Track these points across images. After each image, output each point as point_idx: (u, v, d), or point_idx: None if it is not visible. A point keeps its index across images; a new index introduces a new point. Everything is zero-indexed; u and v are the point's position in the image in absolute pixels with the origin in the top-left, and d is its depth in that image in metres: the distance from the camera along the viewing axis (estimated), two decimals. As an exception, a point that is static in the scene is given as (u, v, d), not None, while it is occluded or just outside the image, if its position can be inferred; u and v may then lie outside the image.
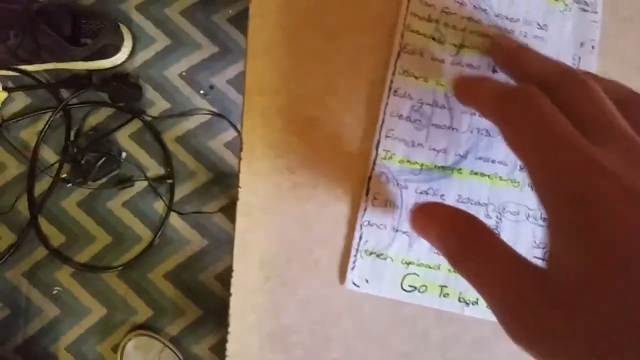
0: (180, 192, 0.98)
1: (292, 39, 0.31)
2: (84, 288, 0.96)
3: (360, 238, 0.30)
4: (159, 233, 0.96)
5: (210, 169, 0.99)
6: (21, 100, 0.98)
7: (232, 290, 0.30)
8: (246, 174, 0.30)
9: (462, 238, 0.21)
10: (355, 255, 0.30)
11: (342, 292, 0.30)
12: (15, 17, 0.88)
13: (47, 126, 0.95)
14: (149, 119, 0.98)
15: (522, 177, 0.32)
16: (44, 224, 0.96)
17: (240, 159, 0.30)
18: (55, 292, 0.96)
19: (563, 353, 0.17)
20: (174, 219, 0.98)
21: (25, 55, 0.91)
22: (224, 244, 0.98)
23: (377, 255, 0.30)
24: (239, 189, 0.30)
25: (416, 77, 0.31)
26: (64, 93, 0.97)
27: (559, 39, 0.32)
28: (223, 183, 0.99)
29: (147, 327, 0.95)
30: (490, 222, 0.31)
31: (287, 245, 0.30)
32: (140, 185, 0.98)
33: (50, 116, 0.95)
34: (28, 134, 0.97)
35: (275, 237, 0.30)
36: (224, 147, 0.99)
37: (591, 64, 0.32)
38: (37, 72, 0.96)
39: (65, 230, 0.97)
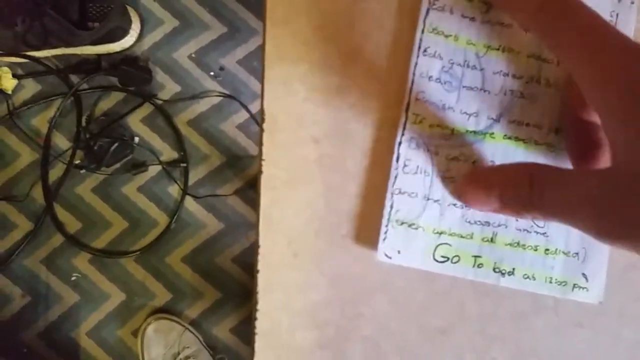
0: (194, 176, 0.97)
1: (312, 3, 0.29)
2: (102, 274, 0.96)
3: (392, 207, 0.29)
4: (175, 217, 0.96)
5: (223, 152, 0.98)
6: (31, 87, 0.97)
7: (259, 267, 0.29)
8: (269, 147, 0.29)
9: (531, 183, 0.22)
10: (386, 226, 0.29)
11: (373, 268, 0.29)
12: (21, 3, 0.87)
13: (58, 113, 0.95)
14: (160, 102, 0.97)
15: (558, 140, 0.30)
16: (60, 211, 0.96)
17: (262, 130, 0.29)
18: (74, 278, 0.96)
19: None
20: (189, 203, 0.97)
21: (34, 41, 0.90)
22: (240, 226, 0.97)
23: (409, 225, 0.29)
24: (262, 162, 0.29)
25: (446, 36, 0.29)
26: (74, 78, 0.96)
27: None
28: (237, 165, 0.98)
29: (166, 311, 0.95)
30: None
31: (315, 220, 0.29)
32: (154, 169, 0.97)
33: (61, 102, 0.94)
34: (39, 121, 0.97)
35: (302, 211, 0.29)
36: (237, 129, 0.98)
37: (630, 21, 0.30)
38: (46, 58, 0.95)
39: (81, 217, 0.97)
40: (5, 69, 0.94)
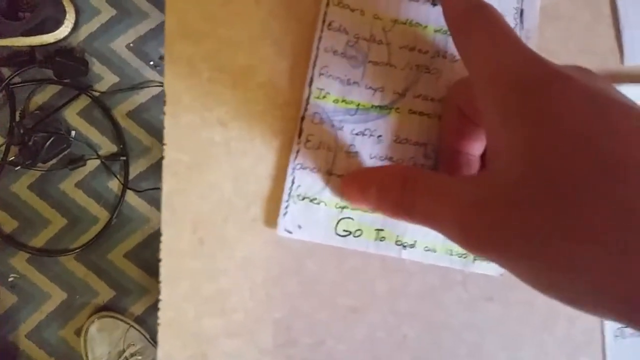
0: (135, 169, 0.95)
1: None
2: (41, 273, 0.93)
3: (293, 182, 0.28)
4: (116, 212, 0.93)
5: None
6: (-41, 82, 0.93)
7: (162, 256, 0.28)
8: (172, 130, 0.28)
9: (402, 187, 0.22)
10: (287, 201, 0.28)
11: (283, 251, 0.29)
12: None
13: (-11, 108, 0.91)
14: (97, 94, 0.94)
15: None
16: (-5, 210, 0.93)
17: (164, 113, 0.28)
18: (11, 279, 0.93)
19: (507, 252, 0.17)
20: (131, 197, 0.94)
21: (-41, 34, 0.86)
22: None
23: (311, 200, 0.29)
24: (164, 146, 0.28)
25: (352, 10, 0.29)
26: (5, 72, 0.93)
27: None
28: (180, 157, 0.95)
29: (110, 309, 0.93)
30: (429, 163, 0.30)
31: (222, 205, 0.28)
32: (93, 164, 0.94)
33: (-8, 97, 0.91)
34: (-30, 117, 0.93)
35: (208, 196, 0.28)
36: (179, 120, 0.95)
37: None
38: (-27, 51, 0.92)
39: (18, 215, 0.93)
40: None
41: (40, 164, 0.92)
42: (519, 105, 0.18)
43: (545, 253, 0.16)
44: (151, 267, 0.95)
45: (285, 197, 0.28)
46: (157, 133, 0.95)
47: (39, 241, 0.93)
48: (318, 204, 0.29)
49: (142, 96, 0.95)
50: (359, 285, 0.30)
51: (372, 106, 0.29)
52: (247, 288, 0.29)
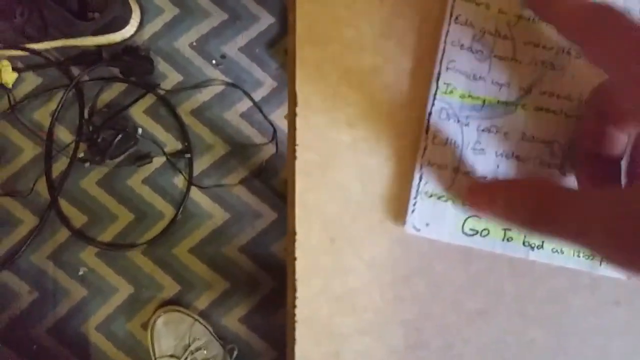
0: (199, 166, 0.96)
1: None
2: (109, 267, 0.95)
3: (420, 179, 0.28)
4: (181, 208, 0.95)
5: (227, 141, 0.97)
6: (32, 81, 0.96)
7: (297, 254, 0.28)
8: (303, 130, 0.28)
9: (539, 201, 0.21)
10: (415, 198, 0.28)
11: (411, 251, 0.29)
12: (20, -6, 0.85)
13: (60, 105, 0.93)
14: (162, 92, 0.96)
15: None
16: (65, 205, 0.95)
17: (295, 114, 0.28)
18: (81, 272, 0.95)
19: None
20: (195, 194, 0.96)
21: (33, 33, 0.89)
22: (246, 216, 0.96)
23: (438, 198, 0.28)
24: (296, 147, 0.28)
25: (477, 4, 0.29)
26: (75, 70, 0.95)
27: None
28: (241, 155, 0.96)
29: (175, 303, 0.95)
30: (556, 161, 0.29)
31: (351, 204, 0.28)
32: (159, 161, 0.96)
33: (63, 95, 0.93)
34: (41, 114, 0.96)
35: (338, 195, 0.28)
36: (240, 118, 0.96)
37: None
38: (46, 50, 0.94)
39: (87, 211, 0.96)
40: (5, 62, 0.93)
41: (108, 161, 0.94)
42: None
43: None
44: (214, 263, 0.96)
45: (413, 194, 0.28)
46: (219, 131, 0.96)
47: (107, 236, 0.96)
48: (445, 201, 0.28)
49: (205, 94, 0.96)
50: (487, 288, 0.29)
51: (499, 102, 0.29)
52: (376, 288, 0.29)
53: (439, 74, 0.28)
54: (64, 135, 0.95)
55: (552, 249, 0.29)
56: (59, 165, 0.95)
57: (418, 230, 0.28)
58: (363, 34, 0.28)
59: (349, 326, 0.29)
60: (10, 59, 0.94)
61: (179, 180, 0.96)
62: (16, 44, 0.90)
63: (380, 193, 0.29)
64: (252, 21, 0.96)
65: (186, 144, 0.95)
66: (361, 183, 0.28)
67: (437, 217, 0.28)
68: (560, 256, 0.29)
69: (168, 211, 0.96)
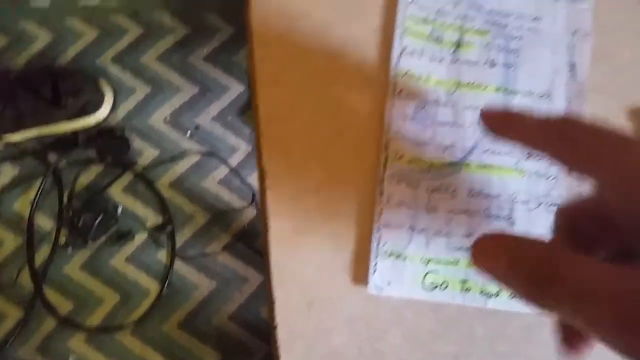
0: (181, 238, 0.96)
1: (298, 63, 0.32)
2: (99, 352, 0.93)
3: (379, 241, 0.31)
4: (166, 283, 0.94)
5: (207, 209, 0.97)
6: (9, 172, 0.97)
7: (277, 321, 0.30)
8: (274, 201, 0.31)
9: (538, 267, 0.19)
10: (375, 259, 0.30)
11: (384, 306, 0.31)
12: (-7, 90, 0.88)
13: (39, 193, 0.94)
14: (140, 169, 0.97)
15: (528, 166, 0.32)
16: (50, 294, 0.94)
17: (265, 188, 0.31)
18: (70, 361, 0.93)
19: None
20: (179, 266, 0.96)
21: (9, 125, 0.91)
22: (233, 282, 0.96)
23: (397, 257, 0.31)
24: (269, 218, 0.31)
25: (417, 78, 0.32)
26: (52, 157, 0.97)
27: (553, 29, 0.33)
28: (222, 221, 0.97)
29: (168, 382, 0.92)
30: (503, 213, 0.32)
31: (325, 267, 0.31)
32: (141, 237, 0.96)
33: (41, 183, 0.94)
34: (21, 204, 0.96)
35: (312, 259, 0.31)
36: (218, 185, 0.97)
37: (585, 50, 0.33)
38: (22, 141, 0.96)
39: (72, 296, 0.95)
40: (-18, 157, 0.95)
41: (90, 243, 0.94)
42: None
43: None
44: (205, 335, 0.94)
45: (372, 255, 0.30)
46: (199, 200, 0.97)
47: (94, 320, 0.94)
48: (404, 259, 0.31)
49: (181, 166, 0.98)
50: (458, 331, 0.31)
51: (444, 164, 0.31)
52: (355, 345, 0.30)
53: (387, 143, 0.31)
54: (44, 222, 0.96)
55: (509, 295, 0.31)
56: (42, 253, 0.95)
57: (381, 289, 0.30)
58: (319, 112, 0.31)
59: None
60: (-13, 153, 0.96)
61: (163, 255, 0.96)
62: (-8, 138, 0.92)
63: (349, 254, 0.31)
64: (222, 91, 0.99)
65: (167, 217, 0.96)
66: (332, 246, 0.31)
67: (397, 275, 0.30)
68: (518, 302, 0.31)
69: (154, 287, 0.95)
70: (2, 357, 0.92)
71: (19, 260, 0.94)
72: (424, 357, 0.31)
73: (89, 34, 1.02)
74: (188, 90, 0.99)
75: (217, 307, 0.95)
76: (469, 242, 0.31)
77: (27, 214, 0.95)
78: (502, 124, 0.23)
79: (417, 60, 0.32)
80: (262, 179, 0.31)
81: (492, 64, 0.32)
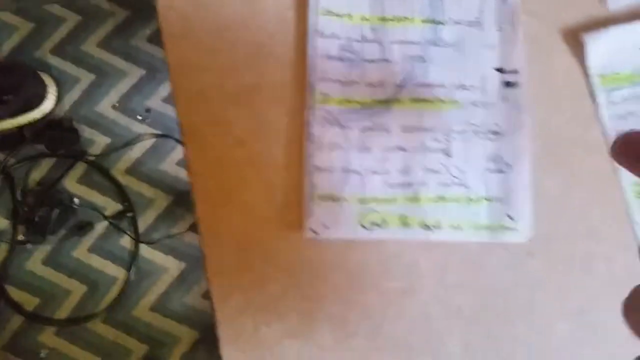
0: (144, 223, 0.96)
1: (209, 8, 0.31)
2: (72, 344, 0.93)
3: (311, 185, 0.30)
4: (132, 268, 0.94)
5: (168, 192, 0.97)
6: (-44, 175, 0.94)
7: (209, 275, 0.30)
8: (197, 159, 0.30)
9: None
10: (309, 203, 0.30)
11: (325, 250, 0.30)
12: None
13: (-10, 193, 0.92)
14: (92, 158, 0.95)
15: (462, 96, 0.32)
16: (13, 292, 0.93)
17: (186, 146, 0.30)
18: (43, 355, 0.92)
19: None
20: (145, 250, 0.95)
21: (-51, 128, 0.88)
22: (202, 261, 0.96)
23: (332, 200, 0.30)
24: (193, 177, 0.30)
25: (339, 15, 0.31)
26: (0, 156, 0.94)
27: None
28: (185, 201, 0.97)
29: (146, 364, 0.93)
30: (439, 146, 0.31)
31: (258, 218, 0.30)
32: (102, 226, 0.95)
33: (-9, 182, 0.92)
34: (-27, 205, 0.94)
35: (244, 212, 0.30)
36: (177, 166, 0.97)
37: None
38: (-35, 142, 0.93)
39: (37, 292, 0.93)
40: None
41: (50, 237, 0.93)
42: None
43: None
44: (179, 315, 0.95)
45: (306, 199, 0.30)
46: (158, 184, 0.97)
47: (63, 312, 0.93)
48: (340, 202, 0.30)
49: (136, 151, 0.97)
50: (403, 267, 0.31)
51: (375, 101, 0.31)
52: (296, 290, 0.30)
53: (312, 85, 0.30)
54: (0, 222, 0.94)
55: (450, 226, 0.31)
56: (1, 253, 0.93)
57: (317, 233, 0.30)
58: (237, 56, 0.30)
59: (276, 333, 0.30)
60: None
61: (126, 241, 0.95)
62: None
63: (283, 202, 0.30)
64: (168, 71, 0.98)
65: (126, 203, 0.95)
66: (264, 197, 0.30)
67: (334, 218, 0.30)
68: (460, 232, 0.31)
69: (121, 274, 0.94)
70: (-29, 360, 0.91)
71: (-23, 262, 0.92)
72: (371, 295, 0.31)
73: (24, 27, 0.99)
74: (134, 74, 0.98)
75: (188, 287, 0.95)
76: (407, 178, 0.31)
77: (-20, 215, 0.92)
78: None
79: None
80: (183, 134, 0.30)
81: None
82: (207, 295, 0.95)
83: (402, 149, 0.31)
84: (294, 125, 0.31)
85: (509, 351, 0.31)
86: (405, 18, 0.32)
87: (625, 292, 0.15)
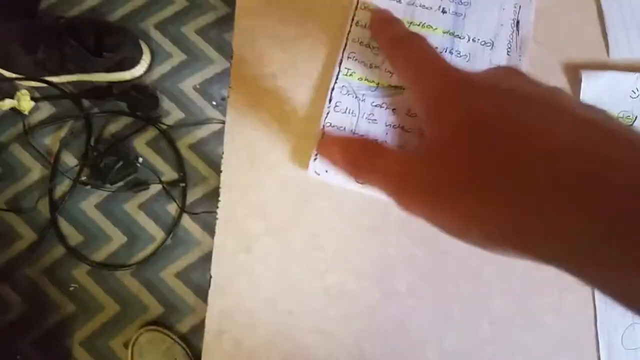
0: (192, 196, 1.03)
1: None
2: (99, 285, 1.00)
3: (323, 135, 0.35)
4: (172, 233, 1.01)
5: (220, 174, 1.04)
6: (46, 110, 1.04)
7: (222, 168, 0.36)
8: (237, 77, 0.36)
9: (355, 159, 0.26)
10: (317, 149, 0.35)
11: (318, 182, 0.35)
12: (44, 31, 0.95)
13: (69, 133, 1.02)
14: (164, 127, 1.04)
15: None
16: (64, 225, 1.01)
17: (231, 64, 0.36)
18: (72, 288, 1.00)
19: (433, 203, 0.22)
20: (186, 221, 1.02)
21: (52, 67, 0.98)
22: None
23: None
24: (230, 90, 0.36)
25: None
26: (86, 103, 1.04)
27: None
28: (233, 187, 1.03)
29: (158, 324, 0.99)
30: None
31: (271, 136, 0.35)
32: (155, 188, 1.03)
33: (72, 123, 1.02)
34: (52, 140, 1.04)
35: (263, 127, 0.35)
36: (235, 154, 1.05)
37: (530, 12, 0.37)
38: (62, 83, 1.03)
39: (83, 231, 1.02)
40: (25, 91, 1.02)
41: (108, 185, 1.01)
42: (433, 111, 0.24)
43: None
44: (199, 289, 1.01)
45: (316, 146, 0.34)
46: (214, 165, 1.04)
47: (99, 256, 1.01)
48: None
49: (203, 131, 1.05)
50: (378, 208, 0.35)
51: (389, 85, 0.36)
52: (285, 202, 0.35)
53: (341, 60, 0.36)
54: (69, 160, 1.03)
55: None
56: (63, 187, 1.02)
57: (318, 174, 0.35)
58: (289, 14, 0.37)
59: (259, 228, 0.35)
60: (30, 89, 1.03)
61: (172, 208, 1.03)
62: (36, 76, 0.99)
63: (295, 133, 0.35)
64: (251, 69, 1.07)
65: (182, 174, 1.03)
66: (279, 122, 0.35)
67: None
68: None
69: (159, 236, 1.02)
70: (11, 273, 0.99)
71: (41, 190, 1.01)
72: (344, 225, 0.35)
73: (138, 0, 1.10)
74: (220, 64, 1.07)
75: (214, 264, 1.01)
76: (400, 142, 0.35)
77: (55, 149, 1.02)
78: (377, 26, 0.31)
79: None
80: (231, 56, 0.36)
81: (444, 11, 0.37)
82: (227, 278, 1.00)
83: (403, 129, 0.35)
84: (320, 80, 0.36)
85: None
86: (430, 26, 0.36)
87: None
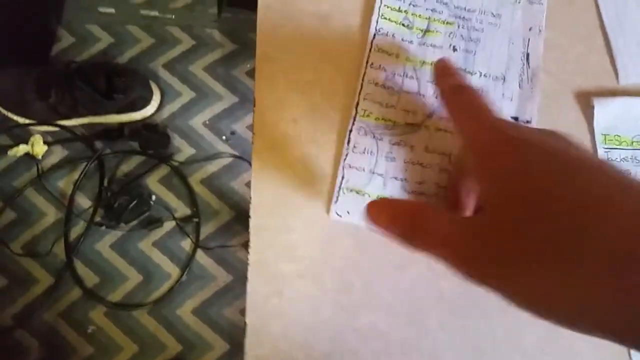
0: (205, 230, 1.04)
1: (291, 20, 0.38)
2: (116, 326, 1.00)
3: (343, 178, 0.36)
4: (187, 270, 1.01)
5: (232, 208, 1.05)
6: (59, 153, 1.06)
7: (251, 214, 0.36)
8: (260, 125, 0.37)
9: (408, 226, 0.25)
10: (338, 192, 0.36)
11: (342, 227, 0.35)
12: (55, 77, 0.97)
13: (82, 175, 1.03)
14: (176, 164, 1.06)
15: None
16: (79, 266, 1.02)
17: (253, 110, 0.37)
18: (90, 331, 1.00)
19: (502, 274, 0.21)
20: (200, 256, 1.03)
21: (64, 111, 1.00)
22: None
23: (357, 192, 0.36)
24: (254, 136, 0.37)
25: (389, 54, 0.38)
26: (98, 144, 1.06)
27: (511, 25, 0.39)
28: (245, 220, 1.03)
29: (176, 362, 0.98)
30: (451, 168, 0.36)
31: (296, 179, 0.36)
32: (169, 225, 1.04)
33: (86, 166, 1.03)
34: (65, 183, 1.05)
35: (287, 171, 0.36)
36: (246, 187, 1.06)
37: (539, 44, 0.38)
38: (74, 126, 1.05)
39: (99, 271, 1.02)
40: (38, 136, 1.04)
41: (122, 225, 1.02)
42: (486, 166, 0.23)
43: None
44: (216, 324, 1.00)
45: (336, 188, 0.35)
46: (226, 198, 1.05)
47: (116, 296, 1.01)
48: (363, 195, 0.35)
49: (214, 166, 1.06)
50: (403, 247, 0.35)
51: (406, 123, 0.37)
52: (313, 243, 0.35)
53: (358, 102, 0.37)
54: (83, 202, 1.04)
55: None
56: (77, 229, 1.03)
57: (340, 216, 0.35)
58: (306, 57, 0.38)
59: (290, 271, 0.35)
60: (43, 133, 1.05)
61: (187, 244, 1.03)
62: (48, 121, 1.02)
63: (317, 175, 0.36)
64: (259, 103, 1.09)
65: (195, 209, 1.04)
66: (302, 165, 0.36)
67: (356, 207, 0.35)
68: None
69: (175, 272, 1.02)
70: (29, 317, 0.99)
71: (57, 233, 1.02)
72: (370, 261, 0.35)
73: (146, 41, 1.13)
74: (229, 100, 1.09)
75: (230, 300, 1.01)
76: (420, 188, 0.35)
77: (69, 192, 1.03)
78: (439, 74, 0.31)
79: (390, 40, 0.38)
80: (254, 103, 0.37)
81: (455, 49, 0.38)
82: (244, 312, 1.00)
83: (421, 165, 0.36)
84: (340, 123, 0.36)
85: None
86: None
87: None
